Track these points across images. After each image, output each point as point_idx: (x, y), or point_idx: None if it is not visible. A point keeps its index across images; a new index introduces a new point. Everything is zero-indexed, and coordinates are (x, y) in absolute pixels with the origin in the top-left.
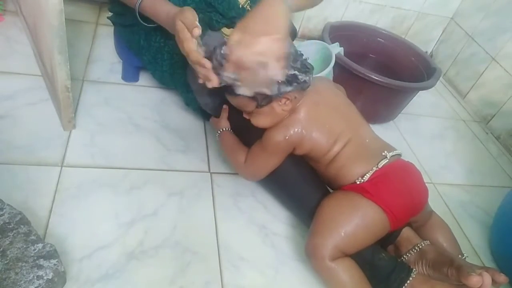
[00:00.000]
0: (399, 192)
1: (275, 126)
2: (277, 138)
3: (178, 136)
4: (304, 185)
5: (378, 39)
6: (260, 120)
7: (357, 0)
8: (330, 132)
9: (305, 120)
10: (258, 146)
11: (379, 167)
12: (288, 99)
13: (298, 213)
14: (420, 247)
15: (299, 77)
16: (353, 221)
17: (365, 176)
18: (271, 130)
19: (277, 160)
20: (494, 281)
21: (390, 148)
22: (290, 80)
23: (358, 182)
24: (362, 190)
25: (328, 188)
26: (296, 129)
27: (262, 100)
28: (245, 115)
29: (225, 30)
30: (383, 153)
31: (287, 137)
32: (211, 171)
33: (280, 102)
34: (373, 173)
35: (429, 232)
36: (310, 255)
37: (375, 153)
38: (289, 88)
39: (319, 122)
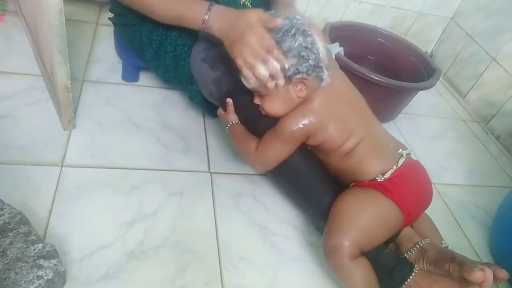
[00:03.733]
0: (414, 192)
1: (291, 114)
2: (293, 126)
3: (178, 136)
4: (316, 182)
5: (378, 39)
6: (272, 104)
7: (357, 0)
8: (345, 126)
9: (320, 110)
10: (272, 134)
11: (399, 165)
12: (305, 84)
13: (310, 212)
14: (421, 245)
15: (322, 71)
16: (375, 219)
17: (386, 174)
18: (287, 117)
19: (289, 149)
20: (495, 277)
21: (403, 146)
22: (314, 66)
23: (378, 180)
24: (382, 188)
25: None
26: (311, 118)
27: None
28: (256, 100)
29: None
30: (399, 151)
31: (302, 126)
32: (211, 171)
33: (297, 87)
34: (393, 172)
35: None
36: (329, 253)
37: (391, 151)
38: (313, 68)
39: (334, 114)
